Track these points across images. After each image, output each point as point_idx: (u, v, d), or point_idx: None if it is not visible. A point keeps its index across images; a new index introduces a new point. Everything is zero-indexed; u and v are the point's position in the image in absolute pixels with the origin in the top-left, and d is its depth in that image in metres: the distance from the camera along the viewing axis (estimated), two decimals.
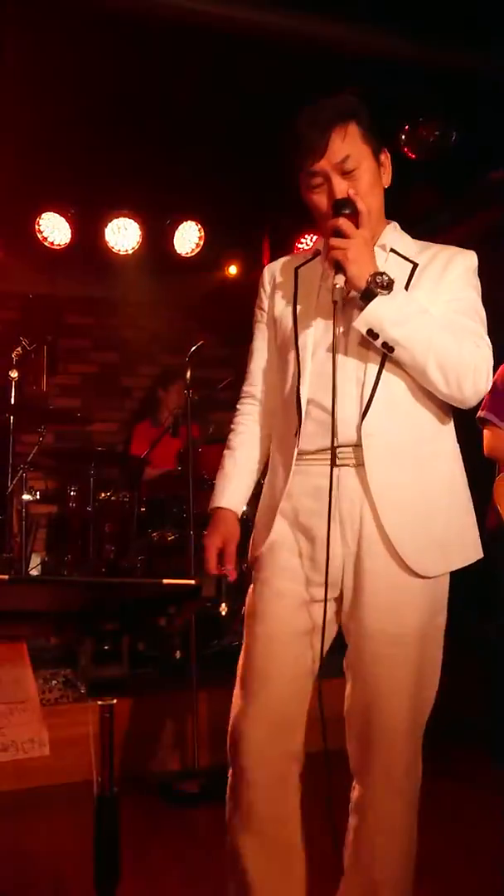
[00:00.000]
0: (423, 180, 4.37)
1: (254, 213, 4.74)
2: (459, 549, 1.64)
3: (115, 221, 4.43)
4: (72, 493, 4.11)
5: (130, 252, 4.45)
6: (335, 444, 1.55)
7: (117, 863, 0.91)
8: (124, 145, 4.02)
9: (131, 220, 4.42)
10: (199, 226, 4.54)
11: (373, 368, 1.59)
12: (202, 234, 4.54)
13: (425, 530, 1.58)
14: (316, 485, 1.59)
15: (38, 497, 3.84)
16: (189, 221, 4.51)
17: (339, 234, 1.54)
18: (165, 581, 0.83)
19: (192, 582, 0.84)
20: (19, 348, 3.91)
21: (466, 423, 2.12)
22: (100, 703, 0.90)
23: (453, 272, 1.64)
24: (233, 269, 4.86)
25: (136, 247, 4.45)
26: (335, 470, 1.55)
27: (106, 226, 4.42)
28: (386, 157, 1.66)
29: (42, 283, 4.70)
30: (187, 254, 4.55)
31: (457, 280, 1.64)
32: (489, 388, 1.60)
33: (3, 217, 4.37)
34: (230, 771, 1.67)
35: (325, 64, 3.42)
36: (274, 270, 1.81)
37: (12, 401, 3.89)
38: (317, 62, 3.44)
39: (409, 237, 1.73)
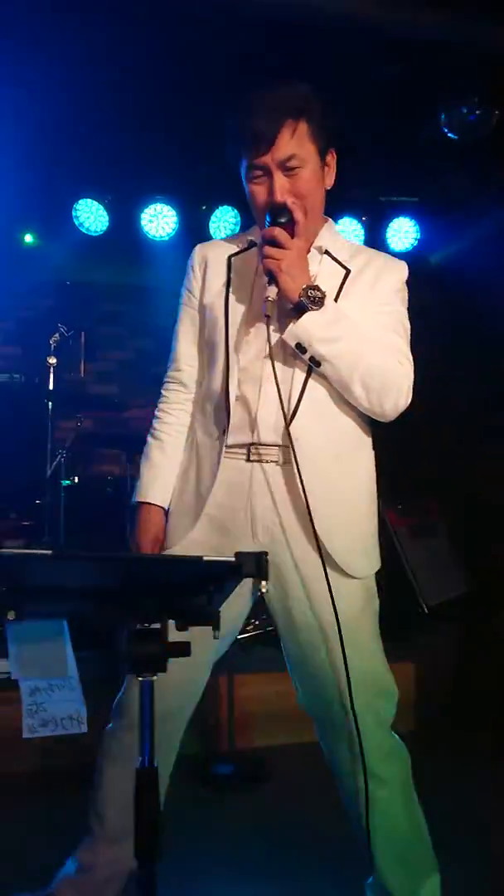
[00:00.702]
0: (459, 164, 4.32)
1: None
2: (376, 555, 1.74)
3: (151, 207, 4.44)
4: (109, 479, 4.15)
5: (167, 238, 4.46)
6: (257, 441, 1.60)
7: (158, 836, 0.92)
8: (160, 131, 4.02)
9: (167, 206, 4.42)
10: (235, 210, 4.53)
11: (300, 375, 1.61)
12: (239, 218, 4.53)
13: (352, 533, 1.65)
14: (232, 480, 1.62)
15: (76, 482, 3.89)
16: (225, 206, 4.49)
17: (275, 243, 1.53)
18: (206, 558, 0.84)
19: (233, 559, 0.85)
20: (57, 335, 3.96)
21: None
22: (140, 679, 0.92)
23: (386, 284, 1.67)
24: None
25: (173, 233, 4.45)
26: (257, 466, 1.59)
27: (142, 212, 4.43)
28: (332, 158, 1.66)
29: (79, 270, 4.73)
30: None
31: (388, 293, 1.67)
32: (408, 404, 1.66)
33: (40, 204, 4.41)
34: None
35: (365, 44, 3.37)
36: (206, 254, 1.77)
37: (51, 387, 3.95)
38: (355, 42, 3.40)
39: (342, 238, 1.77)
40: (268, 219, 1.56)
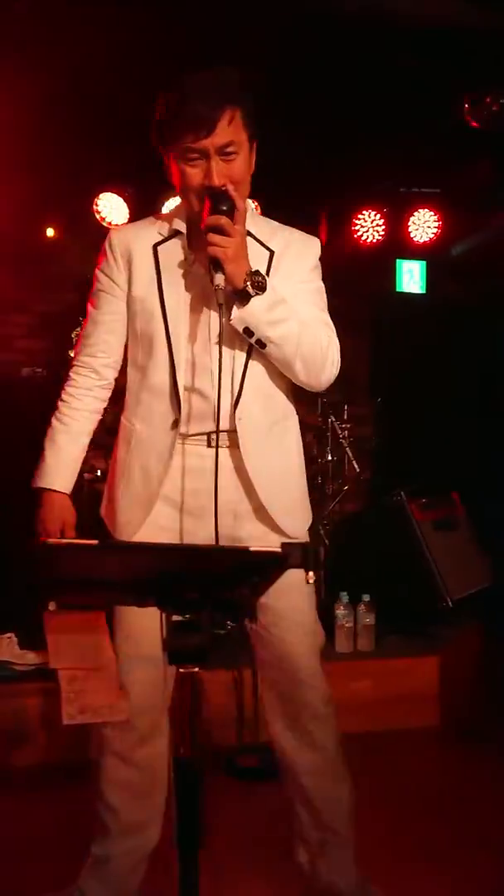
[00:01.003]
0: (482, 154, 4.28)
1: (311, 190, 4.69)
2: (308, 512, 1.85)
3: (171, 200, 4.43)
4: None
5: None
6: (218, 430, 1.67)
7: (198, 826, 0.93)
8: None
9: None
10: (256, 203, 4.51)
11: (241, 358, 1.70)
12: (259, 211, 4.51)
13: (289, 497, 1.78)
14: (195, 466, 1.70)
15: (98, 475, 3.90)
16: (246, 200, 4.48)
17: (220, 231, 1.56)
18: (252, 548, 0.84)
19: (279, 550, 0.84)
20: (79, 329, 3.96)
21: None
22: (181, 670, 0.92)
23: (307, 262, 1.78)
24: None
25: None
26: (219, 450, 1.67)
27: (163, 205, 4.42)
28: (253, 152, 1.70)
29: None
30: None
31: (308, 271, 1.78)
32: (336, 373, 1.79)
33: (61, 198, 4.42)
34: None
35: (389, 32, 3.34)
36: (127, 242, 1.75)
37: None
38: (379, 30, 3.37)
39: (257, 215, 1.83)
40: (210, 206, 1.59)
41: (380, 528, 3.80)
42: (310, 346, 1.69)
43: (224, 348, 1.64)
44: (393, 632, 3.46)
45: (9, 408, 4.63)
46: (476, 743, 2.99)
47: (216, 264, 1.57)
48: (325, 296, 1.82)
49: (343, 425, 4.03)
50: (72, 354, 3.91)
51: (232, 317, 1.63)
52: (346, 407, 4.18)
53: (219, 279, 1.56)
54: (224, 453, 1.71)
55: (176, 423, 1.70)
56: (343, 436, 4.00)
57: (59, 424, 1.84)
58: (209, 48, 3.65)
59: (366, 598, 3.34)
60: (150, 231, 1.77)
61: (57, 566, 0.85)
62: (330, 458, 4.00)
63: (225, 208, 1.58)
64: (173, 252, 1.72)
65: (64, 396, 1.86)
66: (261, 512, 1.75)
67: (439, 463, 4.42)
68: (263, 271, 1.68)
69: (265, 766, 2.70)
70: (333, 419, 4.01)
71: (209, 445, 1.71)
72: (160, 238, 1.75)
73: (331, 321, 1.79)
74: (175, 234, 1.74)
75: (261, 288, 1.61)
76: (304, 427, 3.99)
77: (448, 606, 3.57)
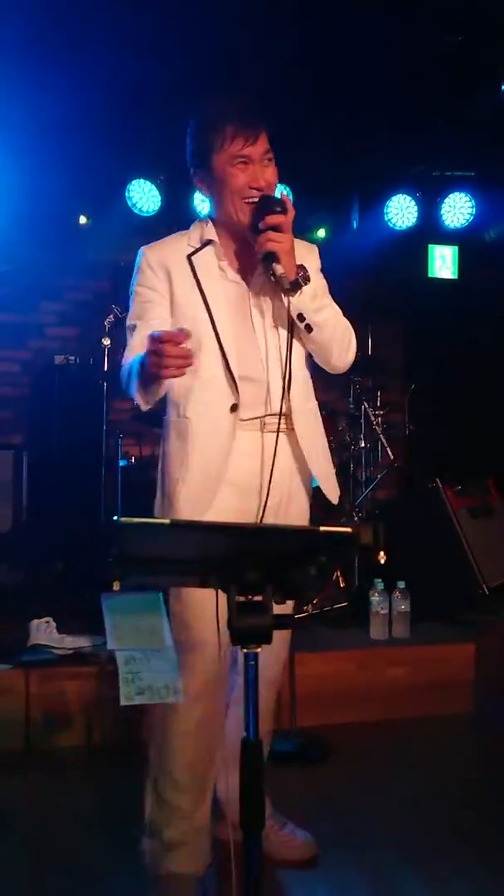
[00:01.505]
0: None
1: (343, 176, 4.65)
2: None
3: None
4: None
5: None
6: (270, 413, 1.85)
7: (262, 804, 0.93)
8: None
9: None
10: (290, 190, 4.48)
11: (283, 347, 1.86)
12: (291, 198, 4.47)
13: (330, 473, 2.03)
14: (249, 450, 1.85)
15: (132, 462, 3.92)
16: (278, 185, 4.45)
17: (277, 229, 1.75)
18: (322, 529, 0.83)
19: (349, 530, 0.84)
20: (111, 316, 3.97)
21: None
22: (244, 651, 0.92)
23: (313, 264, 1.95)
24: (322, 233, 4.79)
25: None
26: (268, 435, 1.85)
27: (195, 192, 4.41)
28: None
29: (132, 251, 4.72)
30: None
31: (317, 271, 1.96)
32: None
33: (94, 185, 4.42)
34: None
35: (426, 11, 3.30)
36: (161, 256, 1.88)
37: (105, 368, 3.98)
38: (415, 9, 3.32)
39: None
40: (268, 207, 1.78)
41: (415, 515, 3.78)
42: (342, 329, 1.91)
43: (271, 339, 1.86)
44: (428, 619, 3.44)
45: (42, 395, 4.67)
46: None
47: (272, 258, 1.75)
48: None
49: (376, 412, 4.01)
50: (105, 342, 3.98)
51: (291, 305, 1.79)
52: (379, 393, 4.15)
53: (279, 269, 1.74)
54: (282, 438, 1.86)
55: (234, 408, 1.84)
56: (376, 423, 3.97)
57: (123, 368, 1.88)
58: (241, 27, 3.63)
59: (400, 584, 3.33)
60: (181, 244, 1.91)
61: (126, 544, 0.86)
62: (363, 444, 3.98)
63: (279, 209, 1.77)
64: (207, 259, 1.88)
65: (121, 377, 1.91)
66: (303, 489, 1.97)
67: (474, 449, 4.38)
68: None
69: (300, 750, 2.72)
70: (367, 406, 3.99)
71: (262, 430, 1.87)
72: (192, 249, 1.89)
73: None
74: (207, 243, 1.88)
75: (306, 279, 1.79)
76: (337, 414, 4.01)
77: (484, 593, 3.55)
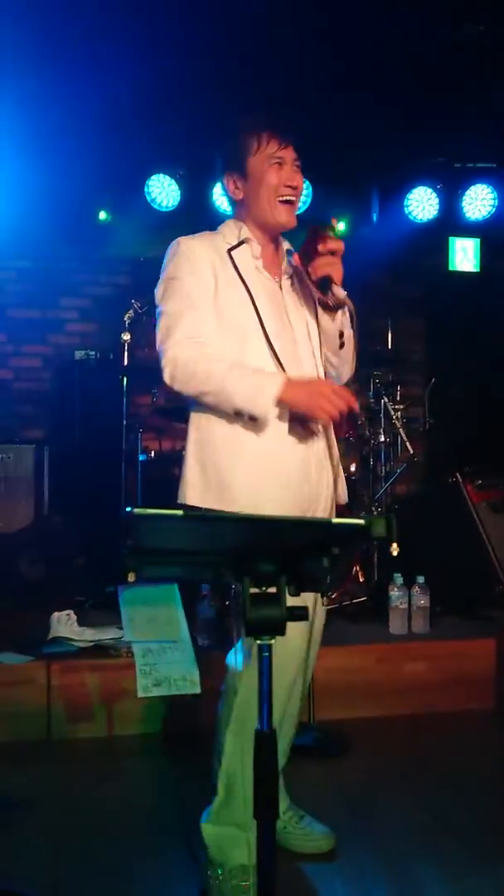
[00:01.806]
0: None
1: (362, 168, 4.62)
2: None
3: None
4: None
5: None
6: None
7: (276, 797, 0.93)
8: (232, 104, 3.98)
9: None
10: (309, 183, 4.46)
11: (315, 345, 1.97)
12: (312, 191, 4.46)
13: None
14: (304, 452, 1.89)
15: (152, 456, 3.94)
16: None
17: (334, 254, 1.87)
18: (335, 521, 0.83)
19: (362, 522, 0.84)
20: (131, 311, 3.99)
21: None
22: (258, 642, 0.92)
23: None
24: (342, 227, 4.77)
25: None
26: (307, 433, 1.90)
27: (215, 186, 4.41)
28: None
29: (152, 246, 4.74)
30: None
31: None
32: None
33: (113, 181, 4.44)
34: None
35: (446, 6, 3.27)
36: (203, 248, 1.90)
37: (125, 362, 4.00)
38: (438, 5, 3.30)
39: None
40: (317, 232, 1.89)
41: (435, 510, 3.76)
42: (355, 345, 2.03)
43: (304, 338, 1.96)
44: (448, 614, 3.43)
45: (63, 390, 4.71)
46: None
47: (329, 281, 1.87)
48: None
49: (396, 406, 3.98)
50: (125, 337, 4.00)
51: (338, 323, 1.96)
52: (398, 387, 4.13)
53: (341, 293, 1.90)
54: (322, 436, 1.95)
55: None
56: (396, 417, 3.96)
57: (214, 364, 1.82)
58: (260, 20, 3.61)
59: (420, 580, 3.32)
60: (216, 240, 1.95)
61: (140, 535, 0.86)
62: (383, 439, 3.97)
63: (332, 234, 1.89)
64: (245, 255, 1.92)
65: (200, 358, 1.83)
66: (330, 488, 1.99)
67: (495, 443, 4.35)
68: (307, 285, 1.98)
69: (318, 744, 2.72)
70: (386, 400, 3.97)
71: (303, 427, 1.89)
72: (230, 245, 1.92)
73: None
74: (243, 241, 1.93)
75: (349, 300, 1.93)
76: (357, 409, 3.99)
77: None
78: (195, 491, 1.89)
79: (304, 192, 4.43)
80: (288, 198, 1.90)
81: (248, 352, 1.85)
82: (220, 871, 1.83)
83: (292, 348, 1.91)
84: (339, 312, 1.94)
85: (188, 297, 1.86)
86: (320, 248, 1.86)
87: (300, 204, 2.04)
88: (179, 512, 0.82)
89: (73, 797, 2.40)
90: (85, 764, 2.62)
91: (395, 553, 0.92)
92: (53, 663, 2.82)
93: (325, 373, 2.02)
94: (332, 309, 1.93)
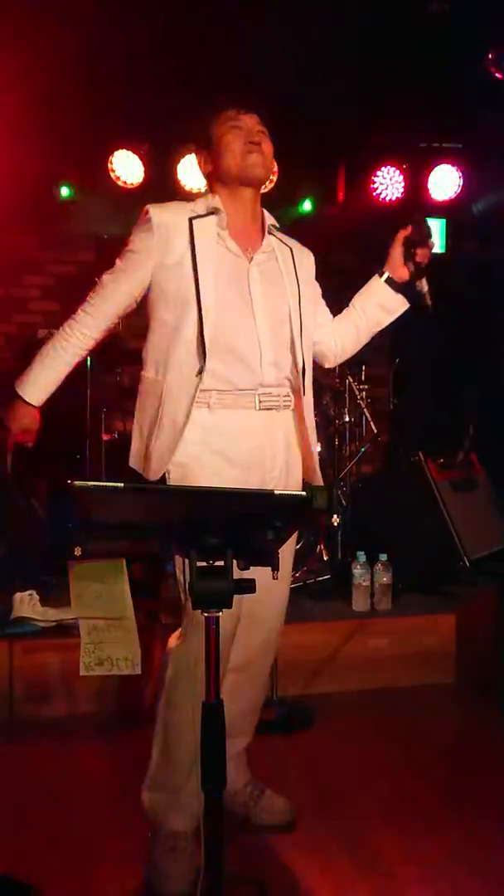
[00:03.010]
0: None
1: (328, 147, 4.60)
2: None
3: (187, 158, 4.36)
4: None
5: (203, 190, 4.38)
6: (263, 389, 1.92)
7: (223, 767, 0.94)
8: (197, 81, 3.93)
9: None
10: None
11: (284, 327, 1.95)
12: (276, 169, 4.42)
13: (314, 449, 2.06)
14: (250, 425, 1.90)
15: (116, 437, 3.91)
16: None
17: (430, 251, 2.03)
18: (276, 492, 0.84)
19: (304, 494, 0.84)
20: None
21: None
22: (205, 615, 0.93)
23: (310, 272, 2.10)
24: (307, 206, 4.75)
25: None
26: (265, 412, 1.92)
27: (178, 163, 4.36)
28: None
29: (115, 223, 4.68)
30: (262, 190, 4.46)
31: (310, 279, 2.10)
32: None
33: (76, 156, 4.36)
34: None
35: None
36: (164, 216, 1.91)
37: None
38: None
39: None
40: (427, 228, 2.07)
41: (398, 489, 3.80)
42: None
43: (267, 316, 1.93)
44: (410, 590, 3.47)
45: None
46: (492, 699, 3.01)
47: (423, 272, 2.05)
48: None
49: (361, 386, 4.00)
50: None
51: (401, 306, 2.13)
52: (363, 368, 4.15)
53: (425, 286, 2.06)
54: (282, 412, 1.97)
55: (200, 371, 1.86)
56: (361, 397, 3.97)
57: (57, 349, 2.08)
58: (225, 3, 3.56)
59: (383, 557, 3.35)
60: (186, 209, 1.95)
61: (85, 508, 0.86)
62: (347, 419, 3.98)
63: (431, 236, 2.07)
64: (208, 226, 1.91)
65: (72, 327, 2.08)
66: (299, 464, 2.01)
67: (458, 424, 4.39)
68: (290, 262, 2.00)
69: (281, 719, 2.75)
70: (351, 380, 3.99)
71: (258, 405, 1.92)
72: (195, 214, 1.92)
73: None
74: (212, 212, 1.92)
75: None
76: (322, 388, 4.00)
77: (465, 566, 3.58)
78: (134, 454, 1.99)
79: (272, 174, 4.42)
80: (254, 141, 1.91)
81: (184, 322, 1.87)
82: (152, 836, 1.89)
83: (245, 321, 1.90)
84: (402, 302, 2.09)
85: (122, 270, 1.97)
86: (429, 242, 2.05)
87: (270, 179, 2.08)
88: (120, 484, 0.82)
89: (36, 776, 2.40)
90: (47, 744, 2.62)
91: (335, 524, 0.92)
92: (16, 643, 2.80)
93: (311, 359, 2.07)
94: (409, 295, 2.07)
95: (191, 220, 1.89)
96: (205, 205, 1.94)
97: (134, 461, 1.98)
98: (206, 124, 1.96)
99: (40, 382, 2.07)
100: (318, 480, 2.02)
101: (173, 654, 1.90)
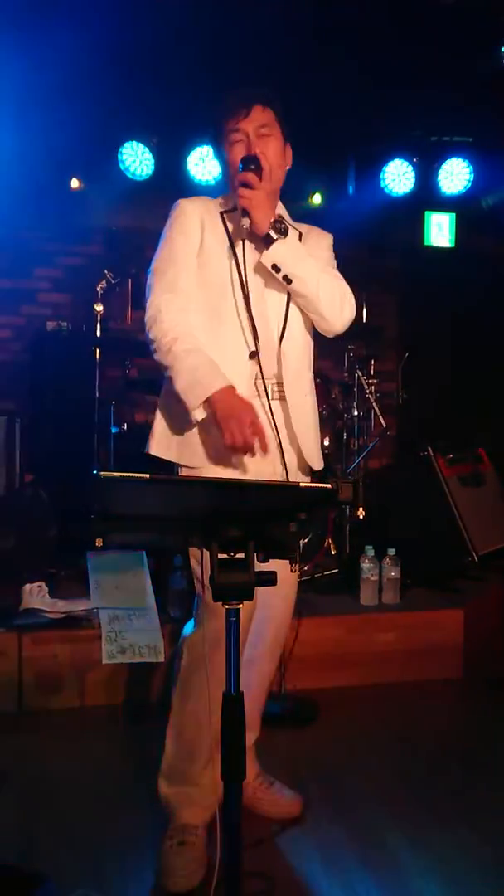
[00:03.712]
0: None
1: (339, 140, 4.58)
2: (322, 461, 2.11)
3: (197, 150, 4.35)
4: None
5: (213, 182, 4.37)
6: (264, 377, 1.92)
7: (243, 759, 0.94)
8: (207, 73, 3.92)
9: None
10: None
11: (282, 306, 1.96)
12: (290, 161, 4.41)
13: (314, 440, 2.04)
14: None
15: (125, 429, 3.91)
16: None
17: (247, 185, 1.86)
18: (302, 484, 0.83)
19: (329, 485, 0.84)
20: (103, 282, 3.94)
21: None
22: (226, 607, 0.93)
23: (325, 243, 2.10)
24: (317, 199, 4.73)
25: (220, 176, 4.36)
26: (264, 400, 1.90)
27: (189, 155, 4.35)
28: (289, 149, 2.02)
29: (125, 215, 4.67)
30: (275, 186, 4.44)
31: (327, 253, 2.09)
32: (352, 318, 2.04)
33: (86, 148, 4.35)
34: None
35: None
36: (198, 208, 1.98)
37: (98, 334, 3.95)
38: None
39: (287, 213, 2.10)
40: (240, 167, 1.90)
41: (407, 484, 3.79)
42: (329, 285, 1.95)
43: (272, 304, 1.94)
44: (418, 585, 3.47)
45: (35, 361, 4.65)
46: (500, 695, 3.01)
47: (244, 212, 1.86)
48: (337, 272, 2.08)
49: (370, 380, 3.99)
50: (98, 308, 3.95)
51: (262, 256, 1.90)
52: (372, 362, 4.14)
53: (245, 222, 1.86)
54: (276, 403, 1.94)
55: (253, 355, 1.89)
56: (370, 391, 3.97)
57: (188, 337, 1.89)
58: None
59: (391, 552, 3.35)
60: (214, 203, 2.02)
61: (106, 500, 0.86)
62: (356, 413, 3.98)
63: (253, 167, 1.88)
64: (236, 221, 1.94)
65: (171, 330, 1.89)
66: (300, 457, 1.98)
67: (467, 418, 4.38)
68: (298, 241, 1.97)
69: (289, 713, 2.75)
70: (360, 374, 3.98)
71: (259, 394, 1.92)
72: (225, 209, 2.00)
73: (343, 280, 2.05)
74: (234, 208, 1.96)
75: (283, 232, 1.89)
76: (331, 382, 4.00)
77: (473, 561, 3.57)
78: (158, 442, 1.96)
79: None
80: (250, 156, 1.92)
81: (227, 308, 1.90)
82: (167, 825, 1.90)
83: (261, 306, 1.94)
84: (276, 245, 1.88)
85: (172, 254, 1.95)
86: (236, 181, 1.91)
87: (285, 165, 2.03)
88: (146, 476, 0.82)
89: (45, 768, 2.41)
90: (57, 735, 2.63)
91: (360, 516, 0.92)
92: (25, 635, 2.81)
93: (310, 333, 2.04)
94: (266, 242, 1.89)
95: (222, 213, 1.98)
96: (229, 202, 2.00)
97: (158, 449, 1.95)
98: (215, 133, 2.00)
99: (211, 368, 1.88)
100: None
101: (188, 642, 1.90)
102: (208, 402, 1.80)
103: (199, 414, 1.81)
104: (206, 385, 1.80)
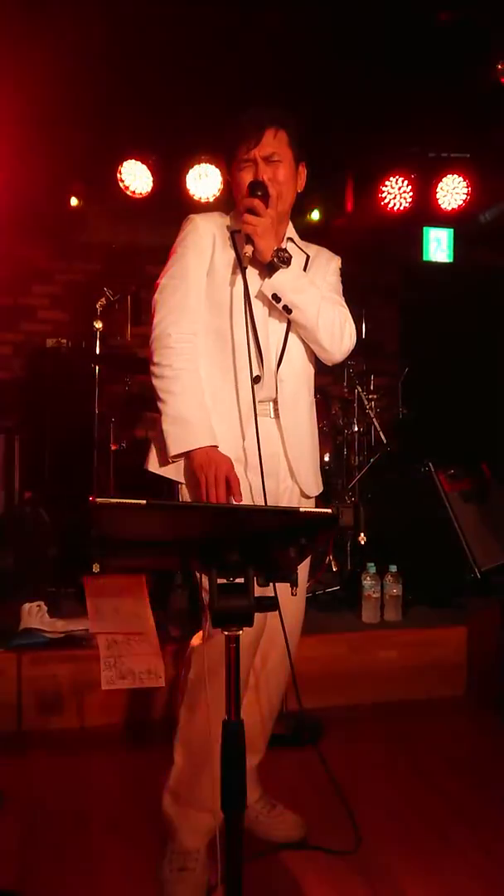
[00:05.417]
0: None
1: (337, 155, 4.60)
2: (321, 482, 2.09)
3: (196, 168, 4.37)
4: None
5: (212, 199, 4.39)
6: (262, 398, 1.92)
7: (243, 786, 0.92)
8: (204, 91, 3.94)
9: (212, 167, 4.34)
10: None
11: (282, 334, 1.96)
12: (303, 178, 4.43)
13: (311, 464, 2.03)
14: (263, 432, 1.86)
15: (124, 446, 3.90)
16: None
17: (252, 212, 1.85)
18: (302, 509, 0.82)
19: (329, 511, 0.83)
20: (103, 299, 3.94)
21: None
22: (226, 633, 0.91)
23: (332, 266, 2.08)
24: (315, 215, 4.75)
25: (218, 193, 4.38)
26: (263, 419, 1.90)
27: (187, 173, 4.37)
28: (302, 169, 2.01)
29: (124, 232, 4.69)
30: (286, 207, 4.46)
31: (333, 273, 2.08)
32: (352, 347, 2.05)
33: (85, 166, 4.37)
34: None
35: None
36: (209, 224, 1.97)
37: (97, 351, 3.95)
38: None
39: (296, 235, 2.10)
40: (248, 192, 1.89)
41: (408, 500, 3.77)
42: (329, 315, 1.95)
43: (268, 323, 1.94)
44: (420, 602, 3.45)
45: (34, 378, 4.65)
46: (502, 712, 2.98)
47: (248, 239, 1.86)
48: (342, 297, 2.09)
49: (370, 396, 3.99)
50: (97, 325, 3.95)
51: (263, 285, 1.90)
52: (372, 377, 4.14)
53: (248, 249, 1.85)
54: (275, 421, 1.96)
55: (257, 380, 1.90)
56: (370, 407, 3.96)
57: (192, 386, 1.89)
58: (233, 12, 3.57)
59: (392, 568, 3.33)
60: (225, 221, 2.01)
61: (105, 526, 0.85)
62: (356, 429, 3.97)
63: (259, 193, 1.87)
64: (242, 243, 1.93)
65: (174, 360, 1.89)
66: (293, 477, 1.98)
67: (468, 433, 4.38)
68: (302, 266, 1.99)
69: (291, 732, 2.72)
70: (360, 390, 3.97)
71: (265, 414, 1.94)
72: (235, 228, 1.97)
73: (346, 308, 2.05)
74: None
75: (285, 262, 1.89)
76: (331, 398, 3.99)
77: (476, 577, 3.55)
78: (157, 459, 1.95)
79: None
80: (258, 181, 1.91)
81: (231, 328, 1.90)
82: (166, 847, 1.88)
83: (263, 331, 1.95)
84: (278, 274, 1.89)
85: (183, 271, 1.94)
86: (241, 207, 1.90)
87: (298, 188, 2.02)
88: (142, 501, 0.80)
89: (45, 789, 2.38)
90: (56, 755, 2.60)
91: (362, 542, 0.90)
92: (24, 654, 2.79)
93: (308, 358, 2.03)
94: (268, 270, 1.89)
95: (233, 233, 1.96)
96: (236, 221, 1.98)
97: (156, 465, 1.95)
98: (227, 156, 1.99)
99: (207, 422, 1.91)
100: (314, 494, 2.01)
101: (196, 653, 1.88)
102: (189, 453, 1.83)
103: (175, 454, 1.85)
104: (191, 441, 1.83)
